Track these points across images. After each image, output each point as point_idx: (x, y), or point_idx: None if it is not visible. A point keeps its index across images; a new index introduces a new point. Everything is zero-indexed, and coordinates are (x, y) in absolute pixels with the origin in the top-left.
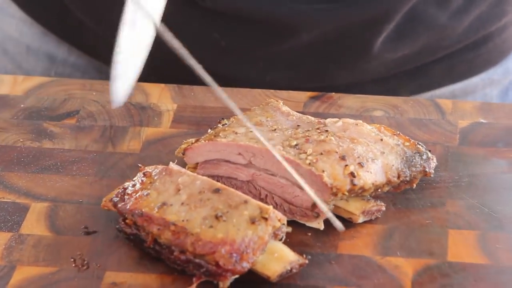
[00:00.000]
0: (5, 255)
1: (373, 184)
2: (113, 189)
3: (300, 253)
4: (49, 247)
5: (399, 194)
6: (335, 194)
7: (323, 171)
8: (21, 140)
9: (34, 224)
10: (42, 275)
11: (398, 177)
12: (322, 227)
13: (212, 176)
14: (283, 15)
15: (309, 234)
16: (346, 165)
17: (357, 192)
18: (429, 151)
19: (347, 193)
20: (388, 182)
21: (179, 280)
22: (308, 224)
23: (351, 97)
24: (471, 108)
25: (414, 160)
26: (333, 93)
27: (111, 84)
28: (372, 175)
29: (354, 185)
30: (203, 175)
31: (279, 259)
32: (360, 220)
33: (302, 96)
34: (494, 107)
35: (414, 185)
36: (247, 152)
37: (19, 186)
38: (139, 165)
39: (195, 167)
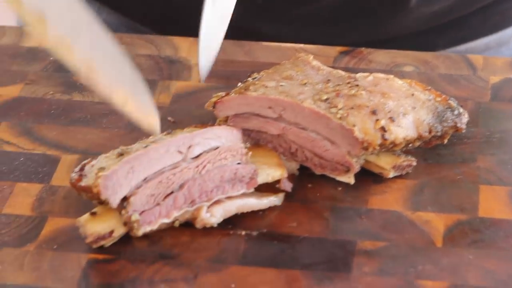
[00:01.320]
0: (36, 206)
1: (404, 139)
2: None
3: (330, 207)
4: (80, 198)
5: (430, 150)
6: (366, 149)
7: (354, 125)
8: (51, 92)
9: (64, 176)
10: (73, 226)
11: (429, 132)
12: (352, 181)
13: (242, 130)
14: None
15: (340, 188)
16: (377, 120)
17: (388, 147)
18: (461, 106)
19: (378, 148)
20: (419, 137)
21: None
22: (339, 178)
23: (381, 52)
24: (503, 64)
25: (446, 115)
26: (363, 48)
27: (198, 58)
28: (403, 129)
29: (385, 139)
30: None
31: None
32: (391, 175)
33: (332, 51)
34: None
35: (445, 141)
36: (277, 105)
37: (50, 138)
38: (169, 118)
39: (225, 120)
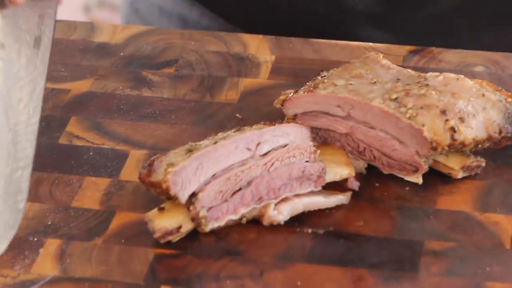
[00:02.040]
0: (105, 200)
1: (473, 139)
2: None
3: (398, 207)
4: (149, 193)
5: (499, 150)
6: (435, 149)
7: (423, 125)
8: (120, 88)
9: (133, 171)
10: (141, 221)
11: (500, 133)
12: (420, 181)
13: (311, 128)
14: None
15: (407, 188)
16: (447, 120)
17: (457, 148)
18: None
19: (446, 148)
20: (489, 138)
21: None
22: (407, 178)
23: (451, 51)
24: None
25: None
26: (433, 48)
27: None
28: (473, 130)
29: (455, 140)
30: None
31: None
32: (460, 175)
33: (401, 50)
34: None
35: None
36: (346, 104)
37: (119, 133)
38: (237, 115)
39: (293, 118)
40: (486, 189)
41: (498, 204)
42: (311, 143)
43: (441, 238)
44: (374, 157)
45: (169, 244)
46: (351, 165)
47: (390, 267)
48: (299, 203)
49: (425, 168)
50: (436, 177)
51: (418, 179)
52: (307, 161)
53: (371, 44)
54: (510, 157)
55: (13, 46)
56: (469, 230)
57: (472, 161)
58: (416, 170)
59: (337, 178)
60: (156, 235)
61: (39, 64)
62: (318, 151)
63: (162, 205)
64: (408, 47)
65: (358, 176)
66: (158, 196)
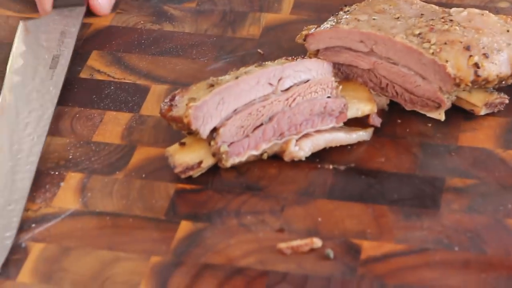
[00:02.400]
0: (126, 135)
1: (497, 76)
2: None
3: (420, 143)
4: (169, 128)
5: None
6: (458, 85)
7: (447, 61)
8: (141, 22)
9: (154, 106)
10: (162, 156)
11: None
12: (443, 117)
13: (333, 64)
14: None
15: (429, 125)
16: (471, 56)
17: (480, 84)
18: None
19: (470, 84)
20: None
21: None
22: (429, 114)
23: None
24: None
25: None
26: None
27: None
28: (497, 66)
29: (478, 76)
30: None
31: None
32: (482, 112)
33: None
34: None
35: None
36: (369, 39)
37: (140, 67)
38: (259, 50)
39: (315, 54)
40: (509, 126)
41: None
42: (333, 78)
43: (463, 175)
44: (397, 93)
45: (189, 179)
46: (373, 101)
47: (411, 203)
48: (321, 139)
49: (447, 104)
50: (459, 114)
51: (440, 115)
52: (329, 97)
53: None
54: None
55: (32, 62)
56: (491, 167)
57: (496, 97)
58: (438, 107)
59: (359, 114)
60: (177, 170)
61: (52, 88)
62: (340, 86)
63: (183, 140)
64: None
65: (380, 112)
66: (179, 131)
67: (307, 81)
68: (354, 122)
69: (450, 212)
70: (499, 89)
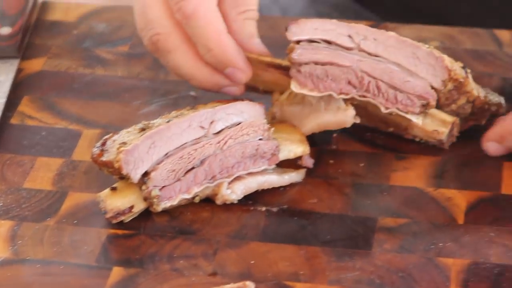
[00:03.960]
0: (57, 180)
1: (475, 94)
2: None
3: (352, 184)
4: (101, 173)
5: None
6: (445, 85)
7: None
8: (74, 66)
9: (86, 151)
10: (94, 201)
11: (484, 100)
12: (420, 122)
13: (309, 62)
14: None
15: (361, 165)
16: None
17: (459, 92)
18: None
19: (453, 87)
20: (477, 101)
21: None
22: (408, 116)
23: (407, 27)
24: None
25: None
26: (388, 23)
27: None
28: (476, 85)
29: (466, 78)
30: (299, 61)
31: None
32: (444, 136)
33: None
34: None
35: (483, 122)
36: (358, 34)
37: (72, 112)
38: (191, 93)
39: (297, 43)
40: (439, 165)
41: (451, 180)
42: (265, 120)
43: (395, 214)
44: (379, 90)
45: (121, 224)
46: (305, 142)
47: (344, 244)
48: (253, 182)
49: (433, 103)
50: (390, 154)
51: (418, 120)
52: (260, 139)
53: None
54: (462, 133)
55: None
56: (423, 206)
57: (456, 122)
58: (424, 106)
59: (291, 156)
60: (108, 215)
61: None
62: (272, 128)
63: (114, 185)
64: (364, 22)
65: (312, 153)
66: (110, 176)
67: (239, 123)
68: (287, 164)
69: (382, 252)
70: None
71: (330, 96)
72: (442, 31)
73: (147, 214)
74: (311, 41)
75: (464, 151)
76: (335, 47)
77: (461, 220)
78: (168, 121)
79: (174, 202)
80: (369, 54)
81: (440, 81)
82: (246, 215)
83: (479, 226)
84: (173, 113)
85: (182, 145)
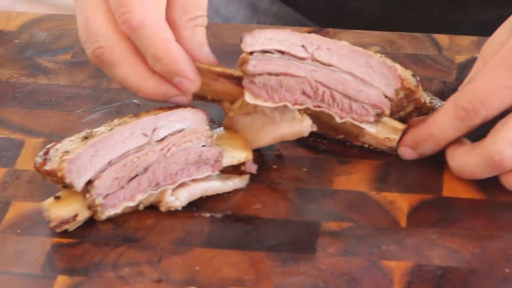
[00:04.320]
0: (0, 190)
1: (422, 101)
2: None
3: (295, 189)
4: (45, 182)
5: None
6: (397, 93)
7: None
8: (15, 75)
9: (29, 160)
10: (37, 211)
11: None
12: (374, 131)
13: (263, 73)
14: None
15: (305, 169)
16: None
17: (409, 100)
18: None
19: (405, 95)
20: (418, 105)
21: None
22: (363, 125)
23: (348, 32)
24: (468, 43)
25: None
26: (330, 29)
27: None
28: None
29: (417, 86)
30: (254, 72)
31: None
32: (395, 143)
33: (299, 31)
34: None
35: None
36: (312, 44)
37: (14, 121)
38: (134, 100)
39: (250, 54)
40: (382, 169)
41: (394, 183)
42: (207, 127)
43: (338, 218)
44: (334, 100)
45: (66, 233)
46: (248, 148)
47: (288, 248)
48: (197, 188)
49: (387, 112)
50: (333, 158)
51: (372, 129)
52: (204, 146)
53: None
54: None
55: None
56: (366, 210)
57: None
58: (378, 115)
59: (234, 162)
60: (52, 224)
61: None
62: (215, 135)
63: (58, 194)
64: (305, 29)
65: (256, 159)
66: (54, 184)
67: (182, 130)
68: (230, 170)
69: (326, 256)
70: None
71: (285, 106)
72: (383, 36)
73: (91, 222)
74: (264, 51)
75: None
76: (289, 57)
77: (403, 223)
78: (110, 129)
79: (118, 210)
80: (323, 64)
81: (393, 90)
82: (190, 221)
83: (421, 228)
84: (116, 121)
85: (125, 153)
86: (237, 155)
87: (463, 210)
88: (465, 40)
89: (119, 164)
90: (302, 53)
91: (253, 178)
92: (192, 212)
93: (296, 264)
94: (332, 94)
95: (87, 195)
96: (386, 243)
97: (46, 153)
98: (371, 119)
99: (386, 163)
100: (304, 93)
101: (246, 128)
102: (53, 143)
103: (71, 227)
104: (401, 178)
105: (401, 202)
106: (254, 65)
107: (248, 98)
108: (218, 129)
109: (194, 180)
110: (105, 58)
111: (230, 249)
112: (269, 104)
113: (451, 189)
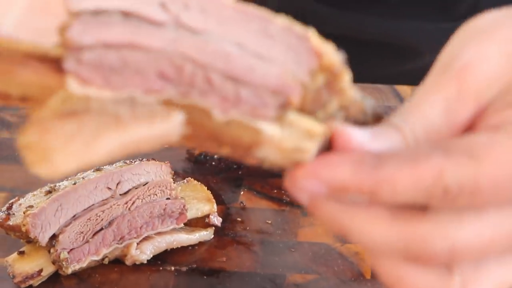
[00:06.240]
0: None
1: (351, 96)
2: None
3: (260, 241)
4: (8, 237)
5: None
6: (323, 70)
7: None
8: None
9: None
10: (1, 266)
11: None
12: (277, 133)
13: (96, 45)
14: (407, 36)
15: (269, 222)
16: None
17: (331, 91)
18: None
19: (329, 78)
20: (355, 113)
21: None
22: (258, 124)
23: None
24: None
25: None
26: None
27: None
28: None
29: (343, 68)
30: (80, 44)
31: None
32: (310, 155)
33: None
34: None
35: None
36: (176, 1)
37: None
38: None
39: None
40: None
41: None
42: (171, 180)
43: (303, 270)
44: (210, 85)
45: None
46: (212, 201)
47: None
48: (162, 241)
49: (296, 100)
50: (297, 210)
51: (274, 129)
52: (168, 198)
53: None
54: None
55: None
56: (330, 262)
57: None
58: (282, 107)
59: (198, 214)
60: (17, 279)
61: None
62: (179, 188)
63: (22, 249)
64: None
65: (220, 211)
66: (18, 239)
67: (146, 183)
68: (195, 222)
69: None
70: None
71: (134, 97)
72: None
73: (56, 277)
74: (97, 12)
75: None
76: (138, 20)
77: (368, 275)
78: (74, 183)
79: (83, 264)
80: (193, 30)
81: (306, 71)
82: (155, 275)
83: None
84: (79, 175)
85: (90, 206)
86: (201, 207)
87: None
88: None
89: (83, 218)
90: (159, 15)
91: (218, 230)
92: (157, 266)
93: None
94: (208, 76)
95: (52, 250)
96: None
97: (9, 208)
98: (271, 112)
99: None
100: (162, 75)
101: (70, 137)
102: (16, 197)
103: (36, 282)
104: None
105: (365, 254)
106: (79, 31)
107: (73, 86)
108: (181, 182)
109: (159, 233)
110: None
111: None
112: (107, 93)
113: None
